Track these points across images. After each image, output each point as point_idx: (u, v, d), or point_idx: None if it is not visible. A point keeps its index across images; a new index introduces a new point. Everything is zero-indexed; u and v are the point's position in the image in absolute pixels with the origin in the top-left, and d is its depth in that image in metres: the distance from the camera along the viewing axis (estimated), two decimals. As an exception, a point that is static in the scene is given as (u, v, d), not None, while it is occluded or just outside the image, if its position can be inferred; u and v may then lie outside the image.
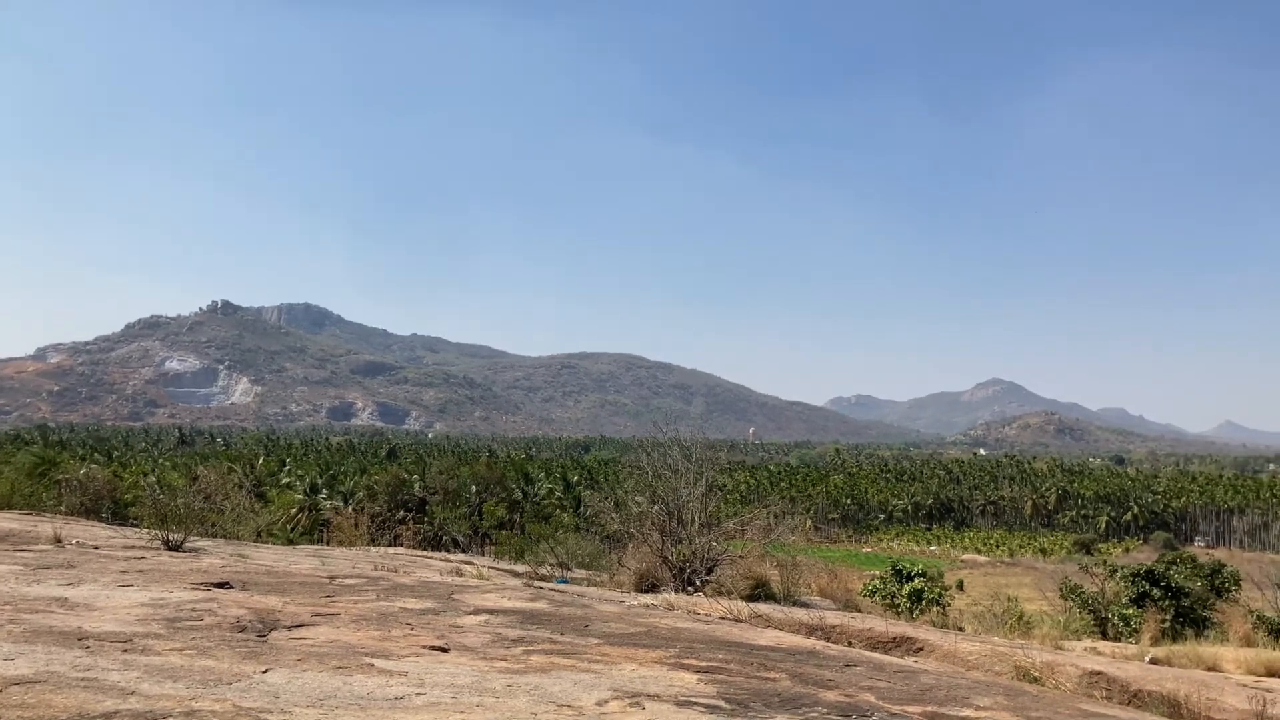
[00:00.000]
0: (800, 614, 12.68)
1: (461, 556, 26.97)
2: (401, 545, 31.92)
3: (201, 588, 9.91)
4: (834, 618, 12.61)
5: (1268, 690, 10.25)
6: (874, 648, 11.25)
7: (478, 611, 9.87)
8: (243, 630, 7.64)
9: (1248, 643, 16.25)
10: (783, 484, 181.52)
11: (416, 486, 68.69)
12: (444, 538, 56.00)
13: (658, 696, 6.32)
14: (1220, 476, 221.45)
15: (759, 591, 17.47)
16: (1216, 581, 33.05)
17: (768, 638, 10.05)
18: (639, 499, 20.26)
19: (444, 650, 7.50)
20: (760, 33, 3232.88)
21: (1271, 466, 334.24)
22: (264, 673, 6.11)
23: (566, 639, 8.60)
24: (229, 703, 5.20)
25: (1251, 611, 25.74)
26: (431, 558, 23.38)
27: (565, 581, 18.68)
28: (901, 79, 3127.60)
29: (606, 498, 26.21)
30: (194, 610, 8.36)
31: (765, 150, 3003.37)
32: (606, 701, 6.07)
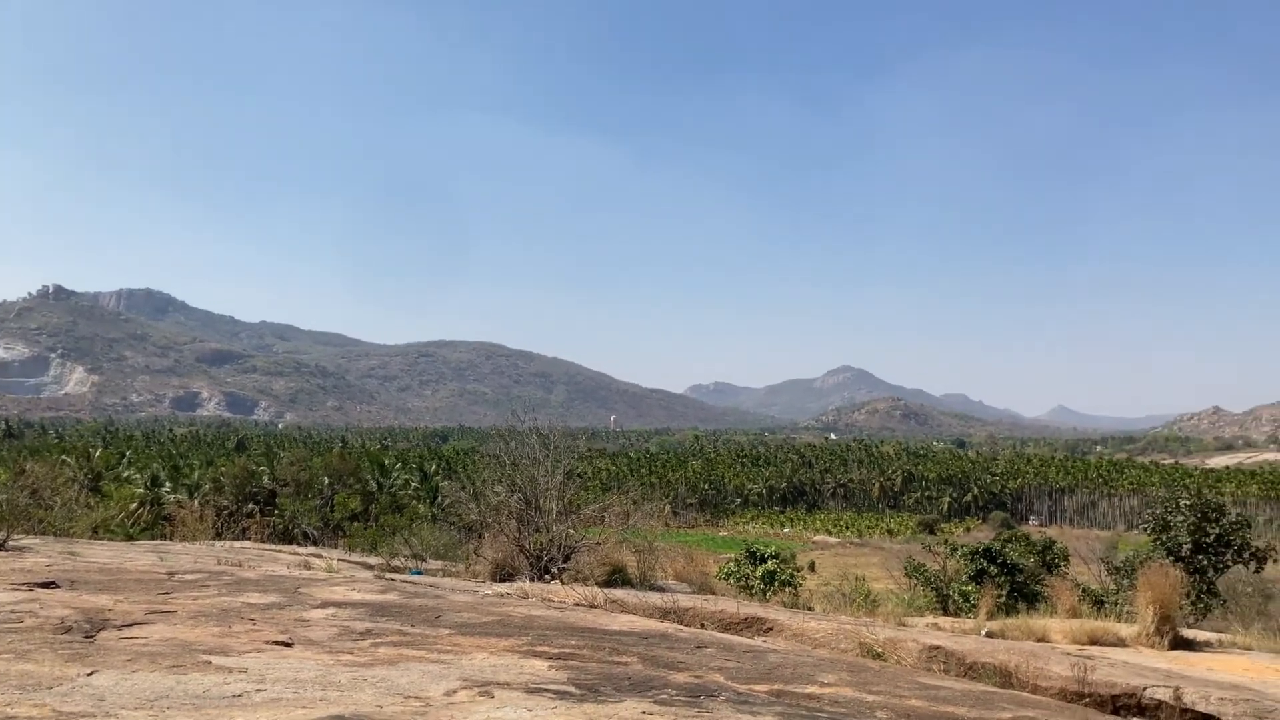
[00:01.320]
0: (655, 598, 12.82)
1: (312, 549, 26.24)
2: (249, 539, 30.84)
3: (23, 588, 9.33)
4: (687, 600, 12.80)
5: (1089, 658, 10.90)
6: (726, 629, 11.46)
7: (325, 605, 9.61)
8: (68, 631, 7.22)
9: (1074, 614, 17.21)
10: (643, 470, 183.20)
11: (266, 479, 66.45)
12: (295, 531, 54.35)
13: (508, 684, 6.28)
14: (1053, 458, 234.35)
15: (616, 577, 17.59)
16: (1048, 558, 34.95)
17: (621, 622, 10.12)
18: (497, 488, 20.09)
19: (288, 645, 7.27)
20: (627, 24, 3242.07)
21: (1099, 448, 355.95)
22: (89, 675, 5.78)
23: (417, 630, 8.47)
24: (48, 708, 4.89)
25: (1078, 585, 27.25)
26: (280, 551, 22.69)
27: (419, 573, 18.40)
28: (765, 74, 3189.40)
29: (464, 488, 25.88)
30: (12, 612, 7.86)
31: (630, 141, 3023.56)
32: (455, 691, 6.00)
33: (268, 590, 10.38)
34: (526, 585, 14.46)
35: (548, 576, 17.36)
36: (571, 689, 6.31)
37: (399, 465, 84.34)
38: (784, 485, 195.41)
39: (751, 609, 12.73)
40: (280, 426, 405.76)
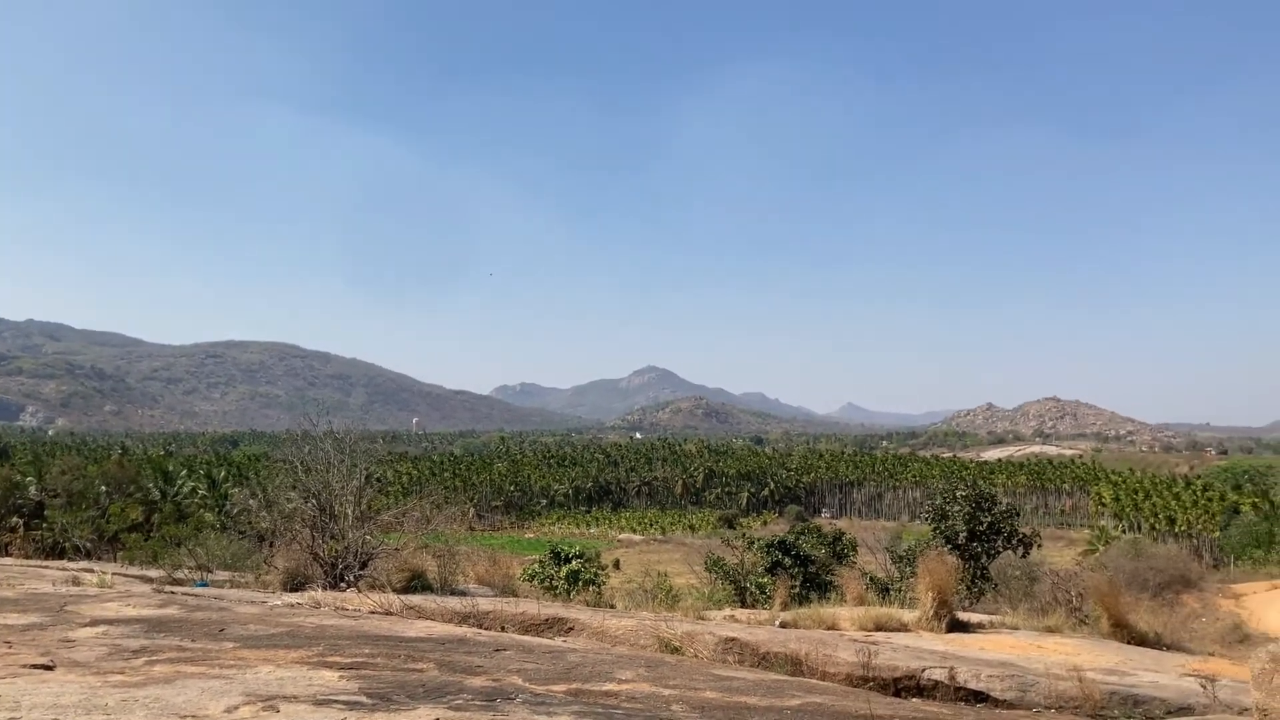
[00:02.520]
0: (454, 602, 12.61)
1: (84, 564, 24.46)
2: (10, 555, 28.44)
3: None
4: (487, 604, 12.65)
5: (874, 643, 11.41)
6: (526, 631, 11.40)
7: (95, 623, 8.95)
8: None
9: (861, 602, 17.96)
10: (446, 473, 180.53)
11: (33, 489, 61.34)
12: (66, 545, 50.45)
13: (295, 698, 6.01)
14: (843, 454, 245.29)
15: (415, 583, 17.17)
16: (838, 548, 36.63)
17: (418, 628, 9.89)
18: (290, 495, 19.27)
19: (49, 668, 6.72)
20: (426, 19, 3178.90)
21: (885, 443, 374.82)
22: None
23: (198, 645, 8.00)
24: None
25: (865, 574, 28.60)
26: (46, 567, 21.04)
27: (205, 585, 17.44)
28: (567, 77, 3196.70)
29: (254, 495, 24.71)
30: None
31: (430, 140, 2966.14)
32: (237, 708, 5.69)
33: (28, 610, 9.58)
34: (319, 594, 13.93)
35: (343, 584, 16.79)
36: (363, 699, 6.11)
37: (185, 472, 79.51)
38: (590, 485, 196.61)
39: (553, 609, 12.69)
40: (50, 433, 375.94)
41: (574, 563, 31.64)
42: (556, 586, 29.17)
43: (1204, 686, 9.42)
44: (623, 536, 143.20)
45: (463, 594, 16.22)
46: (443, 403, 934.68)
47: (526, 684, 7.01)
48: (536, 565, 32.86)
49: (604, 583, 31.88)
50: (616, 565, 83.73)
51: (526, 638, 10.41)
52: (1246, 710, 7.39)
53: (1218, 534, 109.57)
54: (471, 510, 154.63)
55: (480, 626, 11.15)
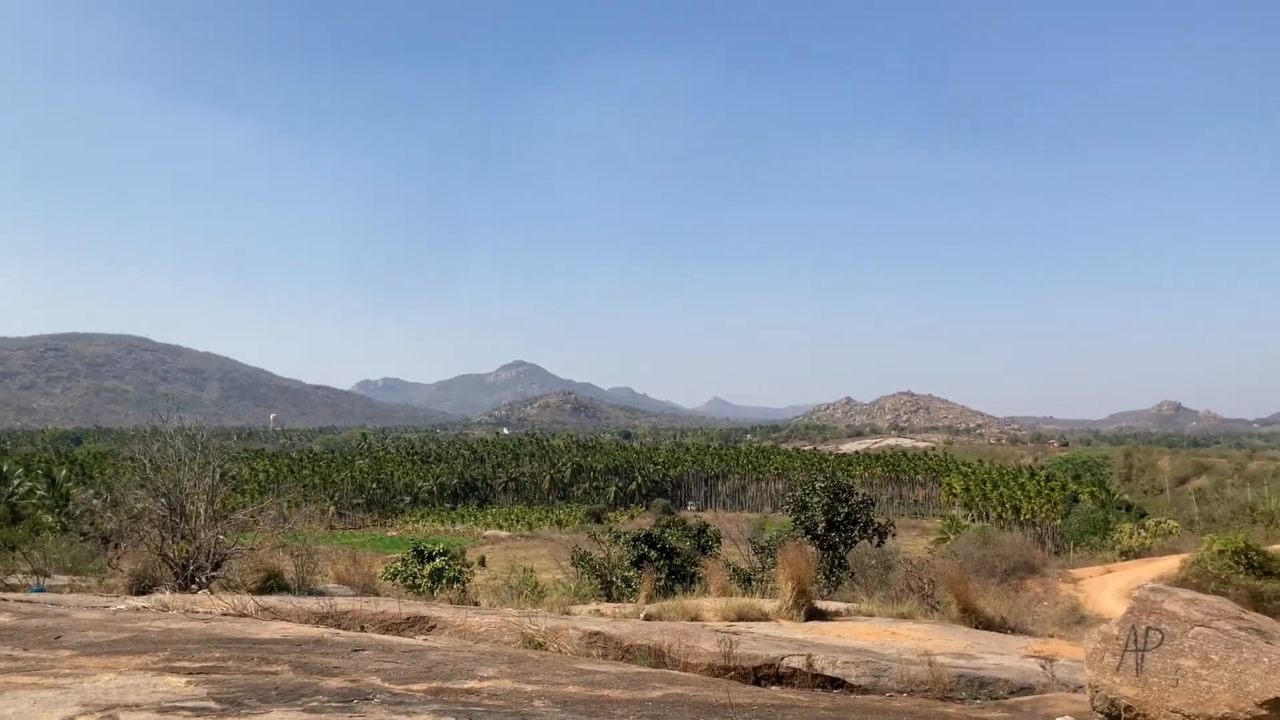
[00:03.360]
0: (311, 603, 12.26)
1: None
2: None
3: None
4: (346, 603, 12.35)
5: (735, 633, 11.60)
6: (387, 630, 11.17)
7: (-85, 634, 8.36)
8: None
9: (725, 593, 18.27)
10: (305, 471, 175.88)
11: None
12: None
13: (137, 706, 5.73)
14: (709, 447, 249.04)
15: (272, 583, 16.64)
16: (702, 540, 37.15)
17: (273, 630, 9.58)
18: (138, 494, 18.39)
19: None
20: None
21: (749, 437, 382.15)
22: None
23: (30, 654, 7.55)
24: None
25: (729, 565, 29.05)
26: None
27: (41, 590, 16.51)
28: (428, 62, 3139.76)
29: (99, 495, 23.51)
30: None
31: (290, 124, 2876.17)
32: (74, 719, 5.39)
33: None
34: (168, 597, 13.35)
35: (194, 586, 16.14)
36: (212, 704, 5.87)
37: (20, 471, 75.17)
38: (456, 482, 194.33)
39: (415, 608, 12.48)
40: None
41: (438, 560, 31.17)
42: (420, 585, 28.69)
43: (1043, 667, 9.93)
44: (489, 533, 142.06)
45: (321, 594, 15.79)
46: (302, 398, 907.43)
47: (385, 684, 6.86)
48: (399, 564, 32.24)
49: (469, 580, 31.52)
50: (482, 562, 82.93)
51: (387, 637, 10.20)
52: (1081, 688, 7.79)
53: (1059, 522, 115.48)
54: (332, 508, 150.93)
55: (339, 627, 10.88)
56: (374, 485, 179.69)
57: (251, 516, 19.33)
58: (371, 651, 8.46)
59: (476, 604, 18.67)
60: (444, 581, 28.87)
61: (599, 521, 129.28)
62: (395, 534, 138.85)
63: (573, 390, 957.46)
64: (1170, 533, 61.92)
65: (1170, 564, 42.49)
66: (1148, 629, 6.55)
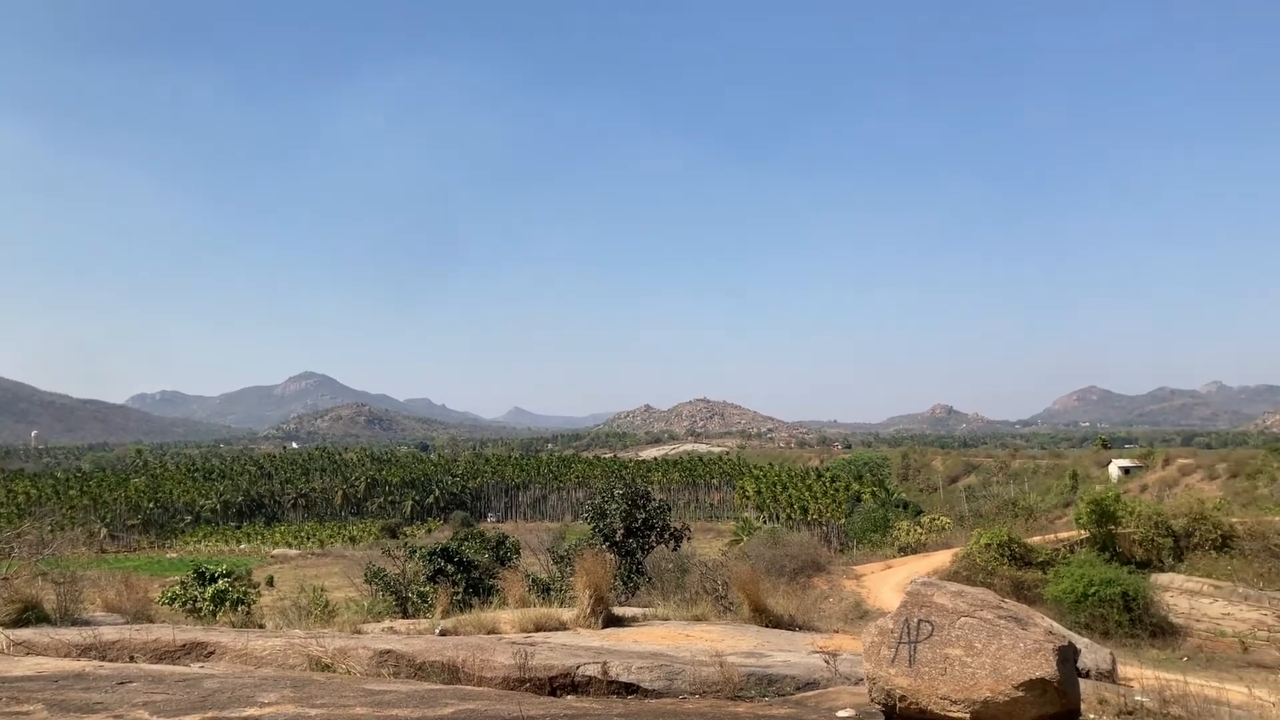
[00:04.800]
0: (72, 634, 11.32)
1: None
2: None
3: None
4: (114, 633, 11.48)
5: (532, 644, 11.52)
6: (160, 659, 10.46)
7: None
8: None
9: (523, 603, 18.11)
10: (72, 491, 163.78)
11: None
12: None
13: None
14: (509, 457, 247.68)
15: (29, 615, 15.27)
16: (501, 552, 36.76)
17: (26, 666, 8.78)
18: None
19: None
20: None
21: (550, 446, 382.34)
22: None
23: None
24: None
25: (528, 576, 28.89)
26: None
27: None
28: (199, 59, 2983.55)
29: None
30: None
31: (53, 121, 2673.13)
32: None
33: None
34: (-97, 636, 12.04)
35: (-65, 623, 14.63)
36: (-53, 754, 5.31)
37: None
38: (241, 499, 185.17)
39: (192, 634, 11.74)
40: None
41: (221, 582, 29.70)
42: (201, 608, 27.23)
43: (828, 662, 10.34)
44: (277, 552, 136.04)
45: (87, 623, 14.64)
46: (68, 413, 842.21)
47: (153, 717, 6.41)
48: (178, 587, 30.53)
49: (254, 601, 30.17)
50: (270, 582, 79.80)
51: (159, 667, 9.55)
52: (862, 680, 8.13)
53: (844, 520, 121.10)
54: (104, 531, 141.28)
55: (104, 659, 10.10)
56: (151, 505, 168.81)
57: (6, 543, 17.72)
58: (140, 683, 7.89)
59: (262, 626, 17.79)
60: (227, 604, 27.49)
61: (395, 536, 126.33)
62: (175, 556, 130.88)
63: (367, 402, 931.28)
64: (943, 528, 65.96)
65: (944, 558, 45.31)
66: (919, 621, 6.92)
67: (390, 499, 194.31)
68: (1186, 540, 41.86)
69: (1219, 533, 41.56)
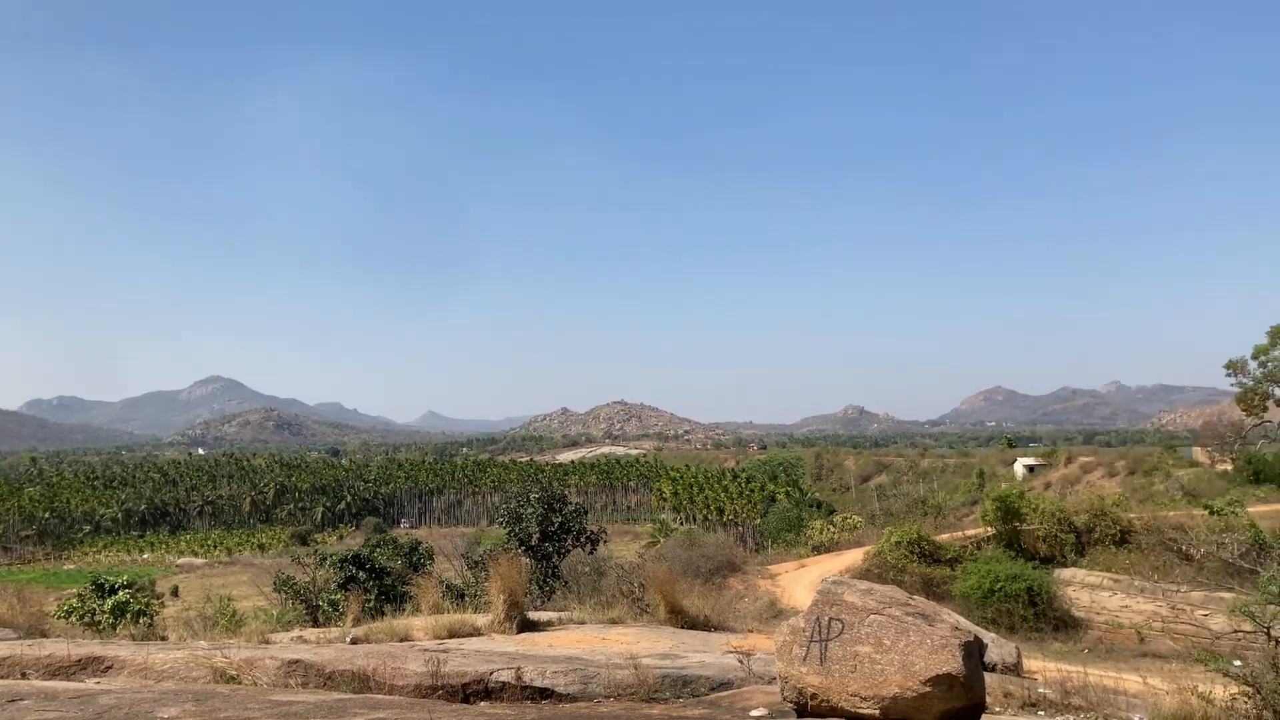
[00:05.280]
0: (-41, 651, 10.84)
1: None
2: None
3: None
4: (3, 649, 10.99)
5: (445, 650, 11.37)
6: (54, 675, 10.06)
7: None
8: None
9: (437, 610, 17.88)
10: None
11: None
12: None
13: None
14: (423, 462, 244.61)
15: (-92, 634, 14.60)
16: (414, 558, 36.32)
17: (-92, 687, 8.38)
18: None
19: None
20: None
21: (465, 450, 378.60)
22: None
23: None
24: None
25: (442, 581, 28.58)
26: None
27: None
28: (110, 53, 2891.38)
29: None
30: None
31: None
32: None
33: None
34: None
35: None
36: None
37: None
38: (144, 507, 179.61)
39: (89, 648, 11.32)
40: None
41: (121, 593, 28.72)
42: (100, 622, 26.30)
43: (741, 662, 10.40)
44: (182, 561, 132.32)
45: (-24, 641, 14.03)
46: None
47: (45, 737, 6.15)
48: (75, 599, 29.43)
49: (157, 613, 29.28)
50: (174, 593, 77.71)
51: (52, 683, 9.18)
52: (775, 679, 8.20)
53: (759, 520, 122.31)
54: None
55: (-8, 677, 9.67)
56: (47, 514, 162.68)
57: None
58: (32, 701, 7.57)
59: (164, 639, 17.28)
60: (128, 616, 26.62)
61: (305, 543, 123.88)
62: (73, 567, 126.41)
63: (276, 406, 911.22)
64: (855, 527, 66.95)
65: (856, 556, 46.02)
66: (830, 620, 7.00)
67: (301, 505, 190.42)
68: (1088, 536, 43.17)
69: (1118, 528, 42.97)
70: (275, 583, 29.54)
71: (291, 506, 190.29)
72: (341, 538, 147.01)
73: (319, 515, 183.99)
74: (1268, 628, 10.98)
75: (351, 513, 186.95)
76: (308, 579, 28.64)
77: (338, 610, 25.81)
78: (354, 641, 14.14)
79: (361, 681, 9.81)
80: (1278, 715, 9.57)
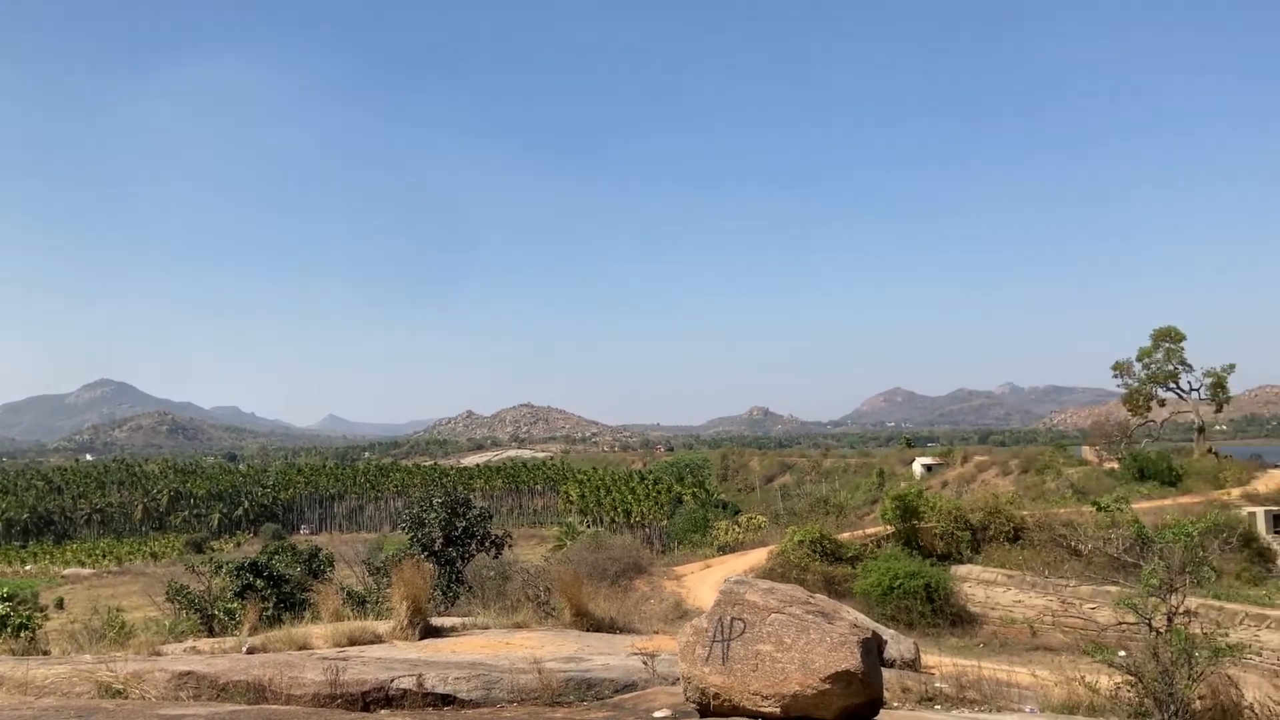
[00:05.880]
0: None
1: None
2: None
3: None
4: None
5: (346, 658, 11.13)
6: (-76, 694, 9.57)
7: None
8: None
9: (337, 617, 17.52)
10: None
11: None
12: None
13: None
14: (324, 467, 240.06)
15: None
16: (314, 565, 35.48)
17: None
18: None
19: None
20: None
21: (367, 454, 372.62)
22: None
23: None
24: None
25: (343, 588, 28.06)
26: None
27: None
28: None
29: None
30: None
31: None
32: None
33: None
34: None
35: None
36: None
37: None
38: (26, 516, 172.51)
39: (-37, 665, 10.81)
40: None
41: (0, 606, 27.50)
42: (-22, 636, 25.14)
43: (645, 663, 10.42)
44: (69, 571, 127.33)
45: None
46: None
47: (-89, 760, 5.83)
48: (-50, 614, 28.11)
49: (39, 626, 28.14)
50: (59, 605, 75.08)
51: (-80, 703, 8.73)
52: (678, 680, 8.23)
53: (666, 522, 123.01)
54: None
55: None
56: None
57: None
58: (-102, 722, 7.19)
59: (46, 653, 16.61)
60: (8, 630, 25.50)
61: (200, 551, 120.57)
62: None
63: (170, 411, 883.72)
64: (760, 527, 67.89)
65: (760, 556, 46.62)
66: (732, 619, 7.05)
67: (196, 512, 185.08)
68: (983, 533, 44.52)
69: (1012, 525, 44.42)
70: (168, 592, 28.61)
71: (186, 513, 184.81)
72: (239, 545, 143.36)
73: (215, 522, 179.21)
74: (1149, 619, 11.48)
75: (249, 519, 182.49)
76: (203, 587, 27.82)
77: (234, 619, 25.12)
78: (250, 651, 13.78)
79: (257, 692, 9.55)
80: (1158, 702, 10.00)
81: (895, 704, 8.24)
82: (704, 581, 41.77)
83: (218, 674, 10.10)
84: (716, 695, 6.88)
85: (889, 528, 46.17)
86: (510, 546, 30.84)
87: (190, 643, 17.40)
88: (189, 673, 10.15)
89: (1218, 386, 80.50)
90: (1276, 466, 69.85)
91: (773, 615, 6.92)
